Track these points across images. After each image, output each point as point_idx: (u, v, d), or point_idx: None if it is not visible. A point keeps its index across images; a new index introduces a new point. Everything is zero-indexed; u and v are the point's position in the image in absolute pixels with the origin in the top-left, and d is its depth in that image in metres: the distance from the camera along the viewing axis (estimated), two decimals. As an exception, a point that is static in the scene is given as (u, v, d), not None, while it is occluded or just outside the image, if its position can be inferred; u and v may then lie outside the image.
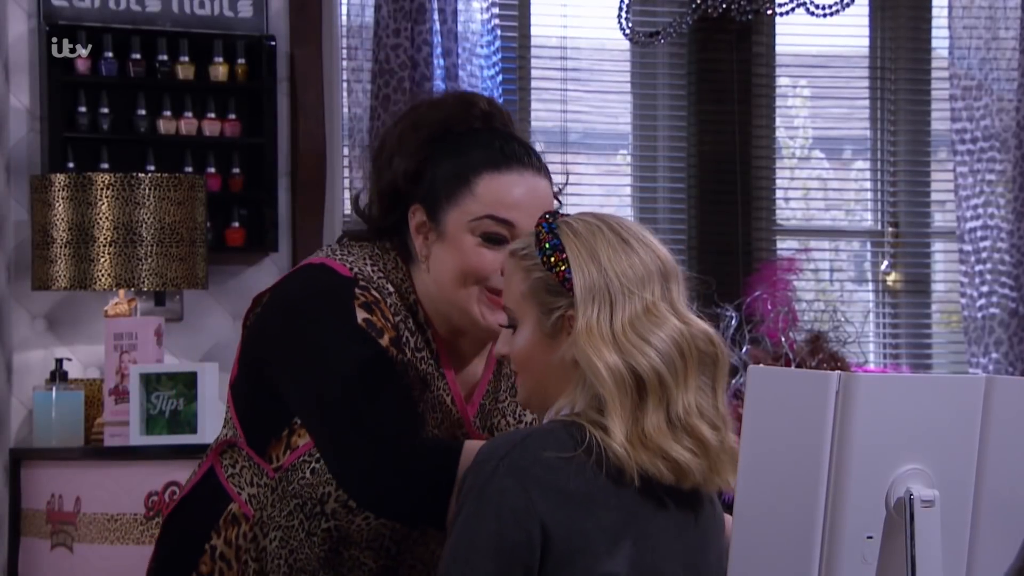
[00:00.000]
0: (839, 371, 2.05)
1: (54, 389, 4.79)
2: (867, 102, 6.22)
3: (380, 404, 2.35)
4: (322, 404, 2.38)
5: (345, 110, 5.46)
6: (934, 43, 6.19)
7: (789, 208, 6.24)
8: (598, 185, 6.04)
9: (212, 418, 4.50)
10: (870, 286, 6.27)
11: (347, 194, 5.43)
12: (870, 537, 2.02)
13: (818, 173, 6.35)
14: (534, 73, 5.84)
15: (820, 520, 1.99)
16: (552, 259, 2.22)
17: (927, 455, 2.04)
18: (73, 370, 4.95)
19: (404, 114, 2.56)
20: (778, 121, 6.11)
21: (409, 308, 2.49)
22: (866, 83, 6.21)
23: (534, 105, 5.84)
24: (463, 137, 2.47)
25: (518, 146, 2.47)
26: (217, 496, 2.54)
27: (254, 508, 2.50)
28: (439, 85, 5.38)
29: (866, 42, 6.19)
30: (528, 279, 2.23)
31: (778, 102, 6.11)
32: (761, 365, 2.11)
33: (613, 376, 2.16)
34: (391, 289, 2.47)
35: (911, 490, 2.02)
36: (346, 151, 5.46)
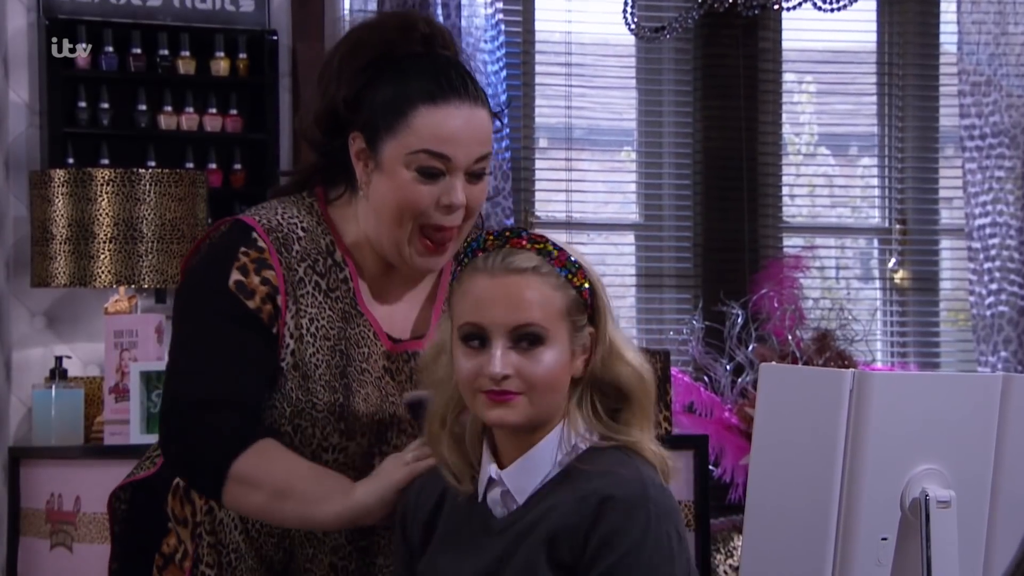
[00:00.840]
0: (852, 369, 2.02)
1: (53, 387, 4.76)
2: (874, 98, 6.20)
3: (205, 369, 2.38)
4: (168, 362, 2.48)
5: (347, 105, 5.43)
6: (942, 38, 6.17)
7: (795, 205, 6.21)
8: (602, 182, 6.00)
9: (213, 416, 4.47)
10: (877, 284, 6.25)
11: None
12: (885, 539, 2.00)
13: (824, 170, 6.32)
14: (538, 69, 5.81)
15: (834, 521, 1.97)
16: (576, 276, 2.19)
17: (943, 455, 2.02)
18: (73, 368, 4.93)
19: (343, 38, 2.54)
20: (784, 117, 6.09)
21: (324, 250, 2.48)
22: (873, 79, 6.19)
23: (538, 101, 5.80)
24: (403, 63, 2.44)
25: (456, 76, 2.43)
26: (169, 476, 2.53)
27: None
28: (442, 81, 5.36)
29: (873, 37, 6.17)
30: (565, 297, 2.18)
31: (784, 98, 6.09)
32: (773, 363, 2.08)
33: (646, 382, 2.18)
34: (300, 234, 2.47)
35: (927, 490, 1.99)
36: (348, 147, 5.44)
